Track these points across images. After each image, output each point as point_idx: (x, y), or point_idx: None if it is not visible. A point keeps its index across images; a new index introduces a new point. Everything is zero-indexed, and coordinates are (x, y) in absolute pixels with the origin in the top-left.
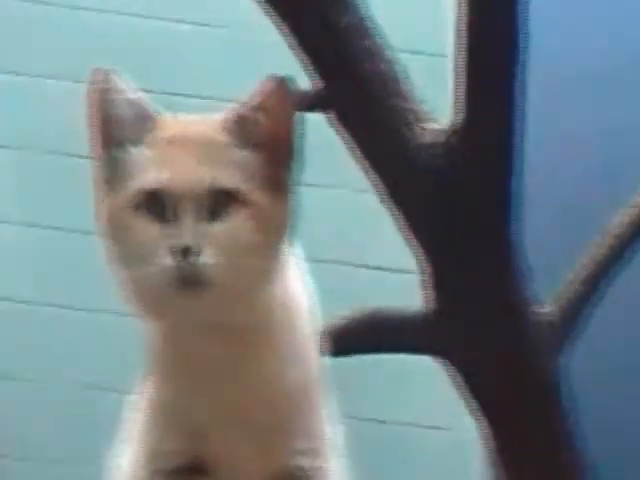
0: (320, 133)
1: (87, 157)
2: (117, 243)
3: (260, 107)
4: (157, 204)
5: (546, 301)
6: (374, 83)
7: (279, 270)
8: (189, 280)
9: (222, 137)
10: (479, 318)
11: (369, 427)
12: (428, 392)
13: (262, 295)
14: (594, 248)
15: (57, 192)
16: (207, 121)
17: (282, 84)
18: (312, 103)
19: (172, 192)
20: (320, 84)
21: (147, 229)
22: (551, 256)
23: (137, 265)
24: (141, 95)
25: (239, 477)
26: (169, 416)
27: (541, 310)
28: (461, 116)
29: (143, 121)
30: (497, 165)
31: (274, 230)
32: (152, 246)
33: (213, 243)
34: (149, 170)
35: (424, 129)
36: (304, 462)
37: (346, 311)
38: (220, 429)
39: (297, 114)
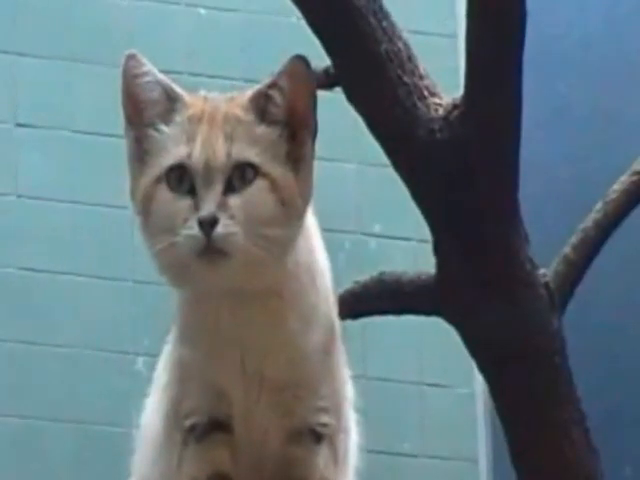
0: (334, 109)
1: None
2: (149, 217)
3: (280, 86)
4: (185, 178)
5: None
6: (392, 62)
7: (300, 239)
8: (209, 249)
9: (245, 115)
10: (483, 280)
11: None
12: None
13: (286, 262)
14: (587, 218)
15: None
16: (231, 100)
17: (302, 64)
18: (332, 81)
19: (198, 166)
20: (339, 63)
21: (175, 201)
22: (544, 225)
23: (165, 236)
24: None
25: (261, 434)
26: (191, 377)
27: (538, 273)
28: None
29: (173, 101)
30: (496, 138)
31: (293, 202)
32: (178, 218)
33: (233, 214)
34: (178, 146)
35: (437, 104)
36: (325, 419)
37: (358, 277)
38: (242, 390)
39: (315, 92)
